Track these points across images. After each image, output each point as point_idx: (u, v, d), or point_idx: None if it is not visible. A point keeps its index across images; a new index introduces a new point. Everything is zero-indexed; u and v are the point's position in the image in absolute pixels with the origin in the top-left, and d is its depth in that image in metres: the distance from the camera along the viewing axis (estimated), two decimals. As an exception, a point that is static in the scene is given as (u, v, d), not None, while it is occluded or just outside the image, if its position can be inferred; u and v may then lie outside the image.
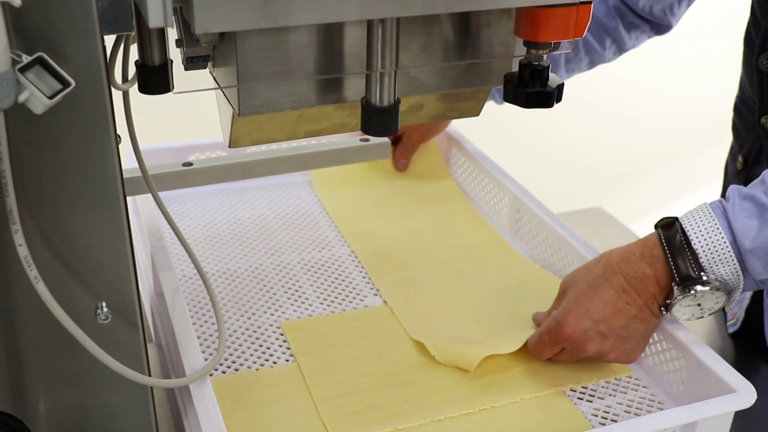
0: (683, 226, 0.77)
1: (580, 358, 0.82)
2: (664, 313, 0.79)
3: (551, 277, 0.97)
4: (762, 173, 0.76)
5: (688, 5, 1.15)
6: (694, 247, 0.75)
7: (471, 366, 0.82)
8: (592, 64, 1.21)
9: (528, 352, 0.84)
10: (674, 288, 0.76)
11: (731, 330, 1.07)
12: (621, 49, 1.21)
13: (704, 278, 0.75)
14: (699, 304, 0.77)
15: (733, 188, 0.77)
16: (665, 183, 2.64)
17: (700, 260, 0.75)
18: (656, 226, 0.79)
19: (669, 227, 0.78)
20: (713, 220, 0.75)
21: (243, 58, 0.62)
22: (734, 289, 0.77)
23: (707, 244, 0.75)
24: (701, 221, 0.76)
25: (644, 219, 0.83)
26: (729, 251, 0.74)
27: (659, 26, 1.19)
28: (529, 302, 0.93)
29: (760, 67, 0.96)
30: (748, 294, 1.04)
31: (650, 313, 0.79)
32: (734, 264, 0.75)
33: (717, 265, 0.75)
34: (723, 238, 0.74)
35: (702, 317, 0.78)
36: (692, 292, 0.75)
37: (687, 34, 1.71)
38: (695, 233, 0.75)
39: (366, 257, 1.02)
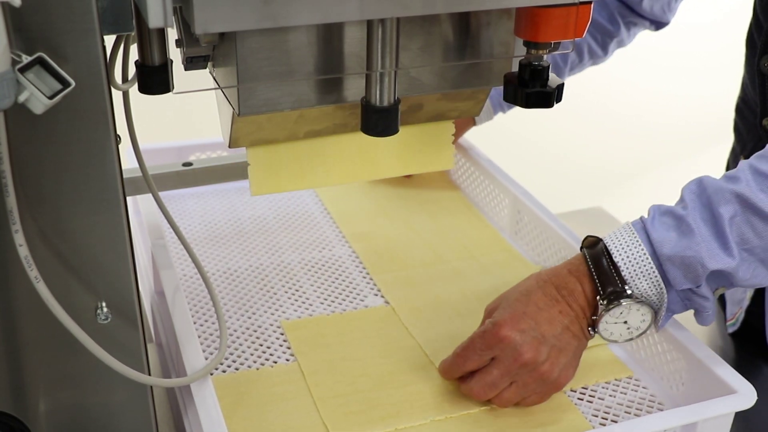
0: (605, 242, 0.78)
1: (511, 373, 0.76)
2: (591, 333, 0.78)
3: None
4: (681, 190, 0.77)
5: None
6: (616, 260, 0.76)
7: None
8: (594, 65, 1.22)
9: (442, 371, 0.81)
10: (599, 302, 0.76)
11: (731, 330, 1.07)
12: (620, 46, 1.21)
13: (628, 291, 0.76)
14: (625, 322, 0.77)
15: (654, 206, 0.78)
16: (665, 183, 2.63)
17: (622, 273, 0.76)
18: (581, 247, 0.80)
19: (593, 246, 0.79)
20: (633, 234, 0.76)
21: (243, 58, 0.62)
22: (659, 307, 0.77)
23: (628, 257, 0.76)
24: (622, 237, 0.77)
25: (644, 219, 0.84)
26: (649, 262, 0.75)
27: (658, 23, 1.19)
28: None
29: (762, 69, 0.96)
30: (749, 294, 1.04)
31: (580, 328, 0.78)
32: (655, 276, 0.75)
33: (639, 278, 0.75)
34: (642, 249, 0.75)
35: (631, 339, 0.78)
36: (617, 305, 0.75)
37: (687, 33, 1.71)
38: (616, 248, 0.76)
39: (366, 257, 1.02)
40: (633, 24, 1.18)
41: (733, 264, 0.73)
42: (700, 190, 0.76)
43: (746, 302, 1.04)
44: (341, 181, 0.81)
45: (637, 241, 0.76)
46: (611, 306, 0.75)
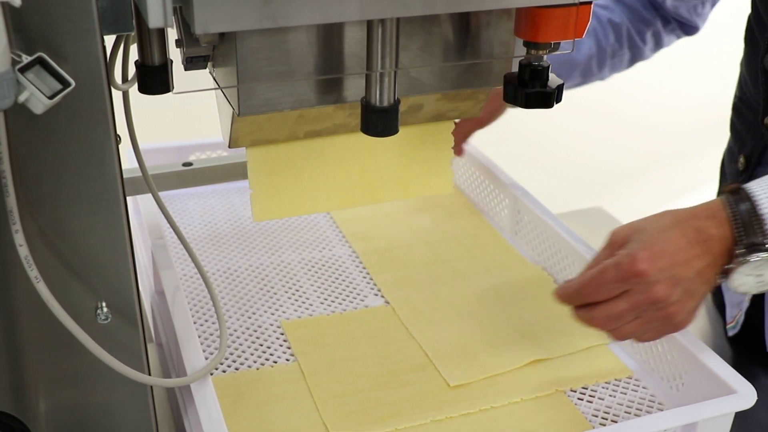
0: (752, 192, 0.75)
1: (639, 309, 0.74)
2: (719, 280, 0.76)
3: (551, 280, 0.97)
4: None
5: (712, 6, 1.16)
6: (762, 212, 0.73)
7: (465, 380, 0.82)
8: (633, 61, 1.21)
9: (562, 301, 0.77)
10: (737, 253, 0.73)
11: (731, 333, 1.06)
12: (658, 43, 1.20)
13: None
14: (759, 275, 0.74)
15: None
16: (665, 183, 2.63)
17: (767, 227, 0.73)
18: (721, 192, 0.77)
19: (735, 192, 0.76)
20: None
21: (243, 58, 0.62)
22: None
23: None
24: None
25: (644, 219, 0.83)
26: None
27: (687, 26, 1.19)
28: (530, 303, 0.93)
29: (766, 67, 0.96)
30: (748, 297, 1.04)
31: (711, 276, 0.75)
32: None
33: None
34: None
35: (760, 291, 0.76)
36: (757, 258, 0.73)
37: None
38: (766, 199, 0.73)
39: (366, 257, 1.02)
40: (666, 21, 1.17)
41: None
42: None
43: (745, 304, 1.04)
44: (341, 206, 0.82)
45: None
46: (750, 258, 0.73)
